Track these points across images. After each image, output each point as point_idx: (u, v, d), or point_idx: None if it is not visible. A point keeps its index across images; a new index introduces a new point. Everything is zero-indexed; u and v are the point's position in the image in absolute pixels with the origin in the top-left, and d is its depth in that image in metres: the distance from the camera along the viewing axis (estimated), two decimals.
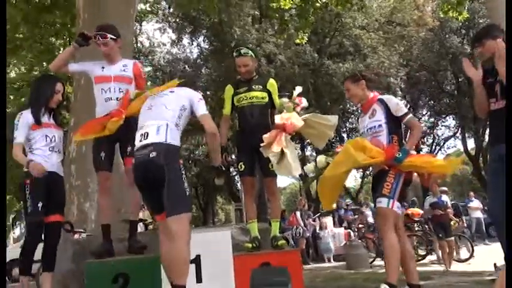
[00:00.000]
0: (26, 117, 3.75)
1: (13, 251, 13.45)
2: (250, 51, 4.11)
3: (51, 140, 3.77)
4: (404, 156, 3.44)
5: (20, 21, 10.97)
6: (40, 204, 3.57)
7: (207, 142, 3.64)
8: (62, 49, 15.00)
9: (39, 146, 3.72)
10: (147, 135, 3.15)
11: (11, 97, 16.46)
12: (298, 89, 4.08)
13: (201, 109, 3.34)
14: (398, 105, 3.66)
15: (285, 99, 3.97)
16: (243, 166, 3.98)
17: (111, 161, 3.77)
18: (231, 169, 18.24)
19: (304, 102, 3.99)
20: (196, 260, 3.40)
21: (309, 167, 3.94)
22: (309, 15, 10.73)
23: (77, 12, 7.40)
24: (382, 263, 10.07)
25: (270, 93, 4.06)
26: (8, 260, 12.53)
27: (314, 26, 14.16)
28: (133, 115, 3.56)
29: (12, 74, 17.88)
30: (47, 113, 3.85)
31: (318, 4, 10.73)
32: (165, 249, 2.99)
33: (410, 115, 3.67)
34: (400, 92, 23.83)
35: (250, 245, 3.84)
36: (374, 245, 11.07)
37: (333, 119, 4.12)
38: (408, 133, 3.78)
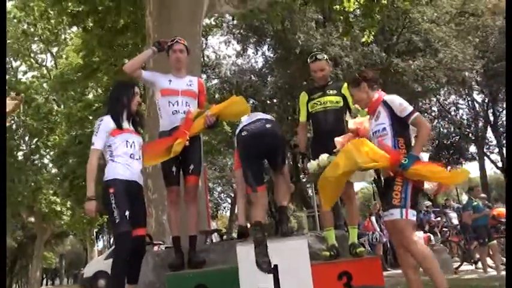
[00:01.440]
0: (106, 122, 3.67)
1: (98, 263, 14.25)
2: (325, 56, 4.14)
3: (131, 146, 3.68)
4: (411, 162, 3.15)
5: (96, 45, 11.64)
6: (127, 213, 3.45)
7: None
8: None
9: (121, 153, 3.62)
10: (255, 115, 3.85)
11: (90, 118, 17.52)
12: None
13: None
14: (402, 105, 3.34)
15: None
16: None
17: (179, 175, 3.86)
18: (302, 175, 18.08)
19: None
20: (274, 270, 3.36)
21: (313, 164, 3.73)
22: (375, 14, 10.42)
23: (147, 33, 7.77)
24: (468, 267, 9.54)
25: (344, 98, 3.97)
26: (94, 272, 13.35)
27: (380, 24, 13.76)
28: (195, 134, 3.74)
29: (90, 96, 19.08)
30: (126, 119, 3.79)
31: (383, 2, 10.39)
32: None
33: (416, 114, 3.30)
34: (476, 86, 22.49)
35: (328, 254, 3.73)
36: (459, 249, 10.44)
37: None
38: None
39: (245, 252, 3.38)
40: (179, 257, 3.72)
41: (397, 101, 3.37)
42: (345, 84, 4.02)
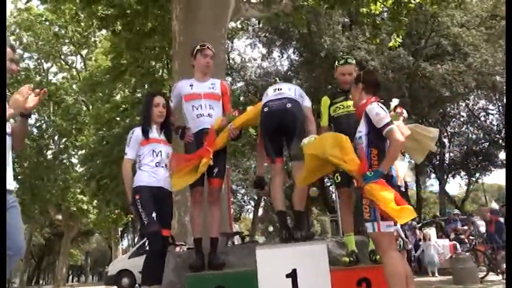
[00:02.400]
0: (136, 134, 3.88)
1: (122, 262, 14.47)
2: (354, 60, 4.17)
3: (157, 155, 3.81)
4: (374, 177, 3.04)
5: (124, 48, 11.87)
6: (154, 214, 3.63)
7: None
8: (161, 71, 16.05)
9: (147, 162, 3.79)
10: (280, 89, 3.89)
11: (118, 119, 17.84)
12: (395, 101, 3.86)
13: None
14: (378, 115, 3.17)
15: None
16: (339, 177, 3.88)
17: (204, 176, 3.90)
18: (325, 180, 17.99)
19: (405, 113, 3.76)
20: (293, 275, 3.36)
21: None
22: (402, 17, 10.28)
23: (173, 36, 7.88)
24: (495, 278, 9.30)
25: None
26: (118, 270, 13.58)
27: (408, 28, 13.57)
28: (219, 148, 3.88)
29: (118, 97, 19.44)
30: (157, 129, 3.92)
31: (411, 5, 10.24)
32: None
33: (390, 127, 3.11)
34: None
35: (347, 259, 3.71)
36: (485, 258, 10.19)
37: (434, 131, 3.84)
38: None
39: (265, 256, 3.39)
40: (200, 258, 3.76)
41: (374, 111, 3.23)
42: None
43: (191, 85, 4.03)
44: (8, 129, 3.00)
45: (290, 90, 3.89)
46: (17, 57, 3.11)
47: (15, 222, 2.97)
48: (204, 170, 3.74)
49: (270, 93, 3.91)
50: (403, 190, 3.27)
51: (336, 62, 4.21)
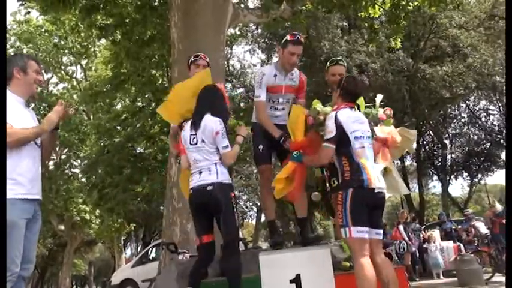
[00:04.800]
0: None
1: (125, 271, 14.42)
2: (345, 63, 4.24)
3: None
4: (297, 159, 3.52)
5: (124, 57, 11.89)
6: None
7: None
8: (161, 80, 16.06)
9: None
10: None
11: (118, 128, 17.83)
12: (380, 97, 3.97)
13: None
14: (327, 127, 3.32)
15: (375, 111, 3.84)
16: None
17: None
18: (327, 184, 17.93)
19: (392, 113, 3.93)
20: (296, 280, 3.33)
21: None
22: (401, 20, 10.28)
23: (172, 43, 7.88)
24: (501, 279, 9.23)
25: (357, 106, 3.94)
26: (121, 279, 13.53)
27: (407, 30, 13.58)
28: None
29: (118, 107, 19.45)
30: None
31: (409, 7, 10.24)
32: None
33: (325, 144, 3.30)
34: None
35: (348, 264, 3.69)
36: (490, 259, 10.12)
37: (414, 133, 4.16)
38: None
39: (268, 261, 3.37)
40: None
41: (327, 121, 3.36)
42: None
43: None
44: (38, 141, 3.03)
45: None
46: (43, 69, 3.19)
47: (35, 237, 2.96)
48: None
49: None
50: (379, 192, 3.25)
51: (327, 63, 4.25)
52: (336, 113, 3.34)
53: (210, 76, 3.79)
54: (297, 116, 3.69)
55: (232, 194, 3.40)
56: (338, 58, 4.30)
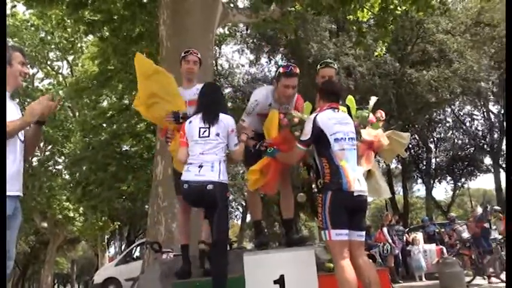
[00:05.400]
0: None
1: (108, 269, 14.30)
2: (335, 65, 4.19)
3: None
4: (270, 155, 3.60)
5: (111, 53, 11.78)
6: None
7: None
8: None
9: None
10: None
11: (104, 125, 17.65)
12: (374, 99, 3.96)
13: None
14: (305, 129, 3.37)
15: (365, 113, 3.84)
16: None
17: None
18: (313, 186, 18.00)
19: (383, 116, 3.89)
20: (280, 280, 3.34)
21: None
22: (389, 24, 10.37)
23: (160, 41, 7.85)
24: (481, 282, 9.38)
25: (348, 108, 3.96)
26: (104, 278, 13.41)
27: (394, 34, 13.70)
28: None
29: (105, 104, 19.25)
30: None
31: (397, 12, 10.33)
32: None
33: (298, 145, 3.39)
34: (492, 97, 22.22)
35: (331, 265, 3.68)
36: (471, 263, 10.26)
37: (406, 137, 4.11)
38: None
39: (252, 262, 3.37)
40: (185, 266, 3.73)
41: (306, 124, 3.39)
42: (349, 96, 4.07)
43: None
44: (21, 136, 2.92)
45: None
46: (28, 61, 3.08)
47: (14, 234, 2.90)
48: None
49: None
50: (360, 196, 3.26)
51: (318, 66, 4.23)
52: (316, 115, 3.35)
53: (145, 59, 3.93)
54: (271, 118, 3.74)
55: (227, 194, 3.50)
56: (328, 61, 4.27)
